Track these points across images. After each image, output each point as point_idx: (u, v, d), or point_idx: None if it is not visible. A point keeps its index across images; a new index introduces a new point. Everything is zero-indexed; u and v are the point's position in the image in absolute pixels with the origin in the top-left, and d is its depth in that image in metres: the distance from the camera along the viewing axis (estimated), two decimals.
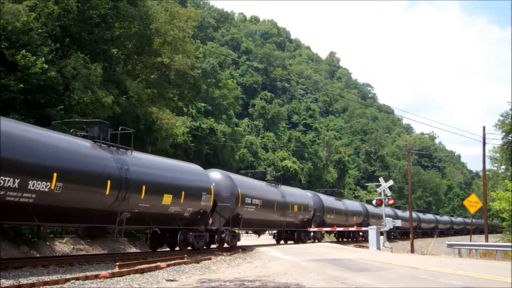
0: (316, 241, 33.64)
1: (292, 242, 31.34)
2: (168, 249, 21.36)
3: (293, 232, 31.36)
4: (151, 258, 16.93)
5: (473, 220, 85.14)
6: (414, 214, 54.63)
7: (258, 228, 27.77)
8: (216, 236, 22.28)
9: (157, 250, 20.63)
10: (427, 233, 65.09)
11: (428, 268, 14.06)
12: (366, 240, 38.95)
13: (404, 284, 10.42)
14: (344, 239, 41.13)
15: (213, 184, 21.49)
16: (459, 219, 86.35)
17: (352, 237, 42.25)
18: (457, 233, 76.70)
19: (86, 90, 22.31)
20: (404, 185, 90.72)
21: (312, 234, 33.36)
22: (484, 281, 11.30)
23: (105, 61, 26.93)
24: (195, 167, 21.85)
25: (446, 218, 78.40)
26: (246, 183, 25.32)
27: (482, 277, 11.85)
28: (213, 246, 22.94)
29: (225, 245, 23.04)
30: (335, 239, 40.80)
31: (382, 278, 11.37)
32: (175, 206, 18.55)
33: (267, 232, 32.28)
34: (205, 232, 21.29)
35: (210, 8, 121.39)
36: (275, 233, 31.66)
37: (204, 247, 21.73)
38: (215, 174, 23.18)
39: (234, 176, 24.77)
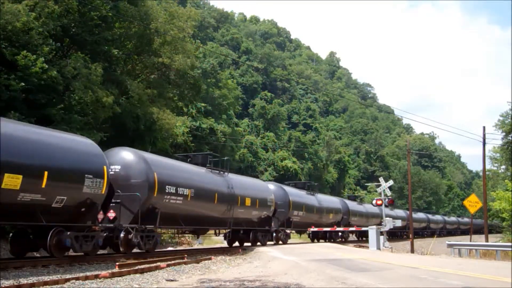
0: (280, 242, 28.19)
1: (249, 244, 25.11)
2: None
3: (247, 231, 25.02)
4: (151, 258, 16.93)
5: (462, 219, 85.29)
6: (403, 213, 53.94)
7: (188, 226, 20.50)
8: (274, 235, 27.24)
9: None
10: (417, 233, 60.79)
11: (428, 268, 14.06)
12: (346, 241, 38.66)
13: (404, 284, 10.42)
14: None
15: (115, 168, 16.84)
16: (453, 218, 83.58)
17: (329, 238, 36.30)
18: (450, 233, 74.38)
19: (87, 90, 22.32)
20: (404, 185, 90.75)
21: (274, 234, 27.60)
22: (484, 281, 11.30)
23: (105, 61, 26.95)
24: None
25: (438, 217, 74.59)
26: (168, 167, 18.82)
27: (482, 277, 11.85)
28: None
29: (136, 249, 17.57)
30: (304, 240, 38.31)
31: (382, 278, 11.37)
32: None
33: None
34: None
35: (210, 8, 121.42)
36: (310, 233, 34.70)
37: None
38: (126, 154, 17.24)
39: (151, 157, 18.22)
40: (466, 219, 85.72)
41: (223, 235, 25.64)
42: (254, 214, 24.97)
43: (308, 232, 35.15)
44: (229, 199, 22.13)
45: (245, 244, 25.16)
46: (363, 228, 34.50)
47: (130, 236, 16.43)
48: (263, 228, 26.15)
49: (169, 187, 17.76)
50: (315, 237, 36.45)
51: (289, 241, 29.93)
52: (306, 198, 33.05)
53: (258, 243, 25.22)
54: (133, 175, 16.72)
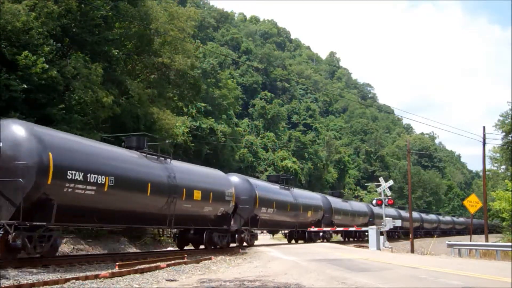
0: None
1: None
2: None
3: (200, 231, 22.46)
4: (151, 258, 16.93)
5: (466, 219, 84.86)
6: (394, 212, 52.50)
7: (108, 224, 18.05)
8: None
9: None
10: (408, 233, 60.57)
11: (428, 268, 14.06)
12: (328, 241, 39.08)
13: (404, 284, 10.42)
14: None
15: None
16: (447, 218, 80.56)
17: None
18: (445, 233, 71.77)
19: (87, 90, 22.32)
20: (404, 185, 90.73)
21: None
22: (484, 281, 11.30)
23: (105, 61, 26.94)
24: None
25: (432, 216, 71.42)
26: (74, 147, 15.13)
27: (482, 277, 11.85)
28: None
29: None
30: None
31: (382, 278, 11.37)
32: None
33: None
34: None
35: (210, 8, 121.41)
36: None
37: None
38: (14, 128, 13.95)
39: (48, 132, 14.93)
40: (461, 219, 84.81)
41: (170, 235, 24.71)
42: (206, 210, 21.12)
43: (283, 232, 34.22)
44: (170, 190, 18.21)
45: (201, 246, 22.12)
46: (363, 228, 34.52)
47: (9, 237, 12.51)
48: (220, 228, 22.32)
49: (73, 172, 13.90)
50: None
51: (256, 242, 26.67)
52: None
53: (218, 246, 22.10)
54: (19, 155, 13.02)
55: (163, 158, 18.75)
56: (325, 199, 37.29)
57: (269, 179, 33.04)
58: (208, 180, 21.51)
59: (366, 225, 39.22)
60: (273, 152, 73.05)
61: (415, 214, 61.75)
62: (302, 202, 32.07)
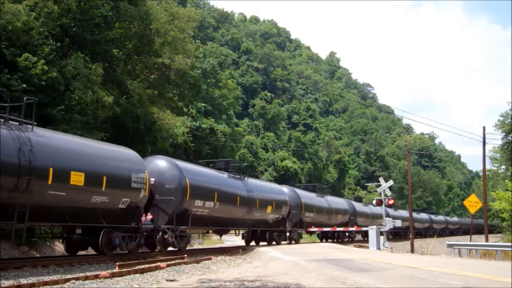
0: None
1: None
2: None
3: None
4: (151, 258, 16.94)
5: (462, 219, 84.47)
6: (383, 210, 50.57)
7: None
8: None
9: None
10: (399, 234, 54.36)
11: (428, 268, 14.06)
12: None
13: (404, 284, 10.43)
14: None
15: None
16: (440, 217, 75.78)
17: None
18: (439, 234, 64.91)
19: (87, 90, 22.33)
20: (404, 185, 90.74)
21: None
22: (484, 281, 11.31)
23: (106, 61, 26.95)
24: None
25: (424, 215, 65.80)
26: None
27: (482, 277, 11.86)
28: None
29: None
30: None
31: (382, 278, 11.38)
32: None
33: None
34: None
35: (210, 8, 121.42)
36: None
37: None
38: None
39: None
40: (455, 218, 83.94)
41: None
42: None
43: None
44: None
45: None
46: (363, 228, 34.54)
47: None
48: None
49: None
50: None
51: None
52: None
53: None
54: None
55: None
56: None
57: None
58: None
59: (346, 224, 37.82)
60: (273, 152, 73.06)
61: (404, 213, 54.99)
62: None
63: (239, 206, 23.08)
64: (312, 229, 32.68)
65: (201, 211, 19.91)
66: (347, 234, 39.91)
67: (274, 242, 27.87)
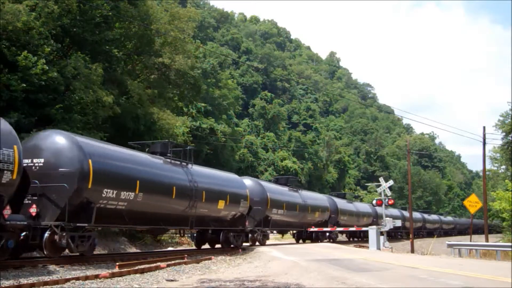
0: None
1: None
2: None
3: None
4: (151, 258, 16.94)
5: (457, 219, 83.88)
6: (371, 207, 47.07)
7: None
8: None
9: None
10: (389, 234, 51.35)
11: (428, 268, 14.06)
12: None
13: (404, 284, 10.42)
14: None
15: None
16: (434, 216, 72.44)
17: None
18: (431, 234, 63.87)
19: (87, 90, 22.33)
20: (404, 185, 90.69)
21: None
22: (484, 281, 11.30)
23: (106, 61, 26.95)
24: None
25: (416, 215, 62.13)
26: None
27: (482, 277, 11.85)
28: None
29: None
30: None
31: (382, 278, 11.37)
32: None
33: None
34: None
35: (210, 8, 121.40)
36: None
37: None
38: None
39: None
40: (449, 218, 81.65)
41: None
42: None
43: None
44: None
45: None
46: (364, 228, 34.52)
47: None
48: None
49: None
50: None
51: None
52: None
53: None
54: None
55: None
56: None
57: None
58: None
59: (325, 223, 37.13)
60: (273, 152, 73.04)
61: (396, 212, 54.12)
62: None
63: (175, 199, 18.51)
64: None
65: (114, 204, 15.59)
66: (327, 234, 35.33)
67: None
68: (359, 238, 45.05)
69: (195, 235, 23.93)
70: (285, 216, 28.51)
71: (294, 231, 33.91)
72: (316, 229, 32.64)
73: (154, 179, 17.49)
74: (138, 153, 18.26)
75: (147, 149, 20.53)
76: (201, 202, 19.77)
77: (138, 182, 16.29)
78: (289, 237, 38.78)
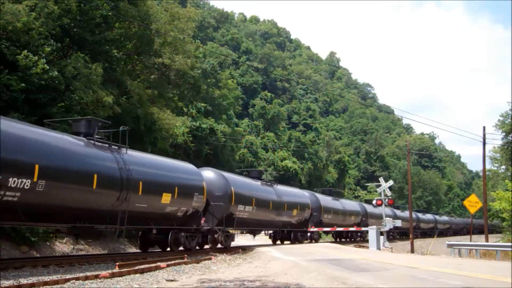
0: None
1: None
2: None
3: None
4: (151, 258, 16.93)
5: (453, 219, 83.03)
6: (359, 205, 45.98)
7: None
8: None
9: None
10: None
11: (428, 268, 14.06)
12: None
13: (404, 284, 10.42)
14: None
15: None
16: (429, 216, 69.31)
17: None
18: (425, 234, 62.52)
19: (87, 90, 22.33)
20: (404, 185, 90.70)
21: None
22: (484, 281, 11.30)
23: (106, 61, 26.95)
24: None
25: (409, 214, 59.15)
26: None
27: (482, 277, 11.85)
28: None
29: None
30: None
31: (382, 278, 11.37)
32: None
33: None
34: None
35: (210, 8, 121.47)
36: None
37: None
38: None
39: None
40: (444, 217, 78.85)
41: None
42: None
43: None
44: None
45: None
46: (363, 228, 34.50)
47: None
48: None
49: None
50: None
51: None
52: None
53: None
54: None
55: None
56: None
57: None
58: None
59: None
60: (273, 152, 73.03)
61: (388, 211, 47.99)
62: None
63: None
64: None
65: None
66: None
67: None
68: (346, 238, 41.79)
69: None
70: (255, 214, 24.78)
71: (271, 231, 30.69)
72: (315, 229, 32.51)
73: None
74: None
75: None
76: (137, 195, 16.30)
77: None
78: (264, 238, 35.63)
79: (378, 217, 44.68)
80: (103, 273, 12.11)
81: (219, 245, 22.37)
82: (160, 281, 11.50)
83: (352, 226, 38.26)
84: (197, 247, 21.50)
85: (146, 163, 18.06)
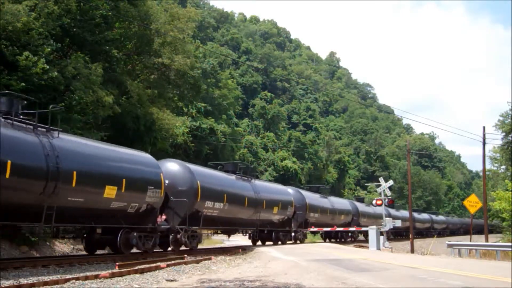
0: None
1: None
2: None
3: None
4: (151, 258, 16.93)
5: (450, 218, 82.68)
6: (350, 204, 43.40)
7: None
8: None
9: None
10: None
11: (428, 268, 14.06)
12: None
13: (404, 284, 10.42)
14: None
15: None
16: (425, 215, 66.75)
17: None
18: (421, 234, 60.72)
19: (87, 90, 22.34)
20: (404, 185, 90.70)
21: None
22: (484, 281, 11.30)
23: (106, 61, 26.97)
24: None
25: (405, 213, 54.35)
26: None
27: (482, 277, 11.85)
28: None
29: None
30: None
31: (383, 278, 11.37)
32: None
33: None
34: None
35: (210, 8, 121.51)
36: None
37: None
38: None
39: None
40: (441, 217, 76.83)
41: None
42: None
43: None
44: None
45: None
46: (364, 228, 34.47)
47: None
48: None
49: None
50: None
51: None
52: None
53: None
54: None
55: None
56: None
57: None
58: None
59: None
60: (273, 152, 73.04)
61: (382, 210, 49.94)
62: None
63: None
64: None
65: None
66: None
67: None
68: (336, 238, 38.77)
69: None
70: (226, 212, 21.98)
71: (250, 231, 27.27)
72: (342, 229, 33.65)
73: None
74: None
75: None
76: (70, 187, 13.72)
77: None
78: (317, 237, 38.82)
79: (371, 216, 44.55)
80: (103, 273, 12.10)
81: (183, 247, 19.67)
82: (160, 281, 11.50)
83: (342, 225, 36.21)
84: (171, 249, 19.44)
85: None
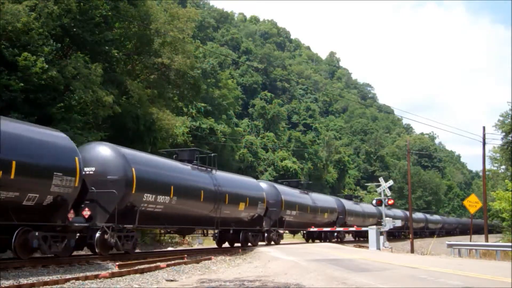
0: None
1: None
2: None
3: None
4: (151, 258, 16.93)
5: (446, 218, 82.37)
6: (336, 201, 40.31)
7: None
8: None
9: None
10: (362, 235, 43.60)
11: (428, 268, 14.06)
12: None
13: (404, 284, 10.42)
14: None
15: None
16: (419, 215, 65.06)
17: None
18: (416, 234, 56.44)
19: (87, 90, 22.35)
20: (404, 185, 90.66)
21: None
22: (484, 281, 11.30)
23: (105, 61, 26.98)
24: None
25: (398, 213, 54.30)
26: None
27: (482, 277, 11.85)
28: None
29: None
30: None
31: (383, 278, 11.37)
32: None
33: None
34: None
35: (210, 8, 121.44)
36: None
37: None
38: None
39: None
40: (436, 217, 75.03)
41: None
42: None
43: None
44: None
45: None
46: (363, 228, 34.36)
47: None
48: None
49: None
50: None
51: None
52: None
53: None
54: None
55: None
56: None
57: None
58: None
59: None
60: (273, 152, 73.04)
61: (373, 209, 47.14)
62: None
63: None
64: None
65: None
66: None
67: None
68: (319, 239, 35.10)
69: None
70: (174, 207, 18.19)
71: (216, 232, 23.79)
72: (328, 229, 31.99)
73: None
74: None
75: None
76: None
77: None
78: (298, 237, 37.33)
79: (359, 215, 42.48)
80: (103, 273, 12.10)
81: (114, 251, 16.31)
82: (160, 281, 11.50)
83: (326, 224, 33.66)
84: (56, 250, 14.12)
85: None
